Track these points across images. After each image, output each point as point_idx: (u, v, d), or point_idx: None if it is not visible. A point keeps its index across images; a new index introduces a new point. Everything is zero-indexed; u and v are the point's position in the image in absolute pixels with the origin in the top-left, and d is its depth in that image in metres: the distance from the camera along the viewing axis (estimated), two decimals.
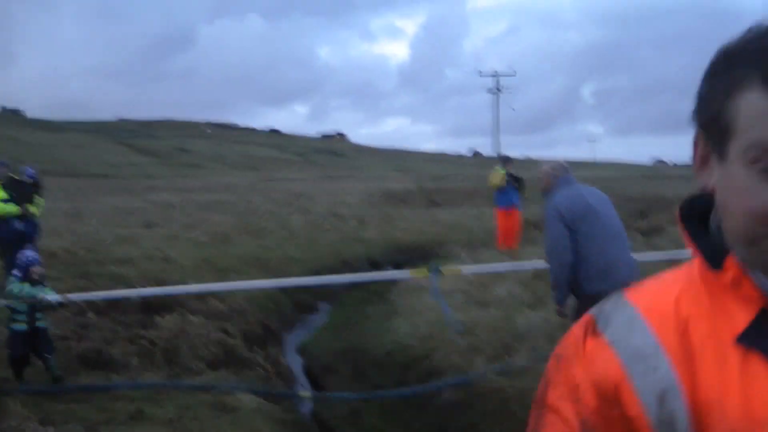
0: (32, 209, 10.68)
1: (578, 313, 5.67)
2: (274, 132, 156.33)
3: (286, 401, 7.24)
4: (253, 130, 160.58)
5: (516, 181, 16.29)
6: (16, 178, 10.96)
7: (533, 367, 7.32)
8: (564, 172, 5.94)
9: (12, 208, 10.41)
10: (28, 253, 7.13)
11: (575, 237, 5.54)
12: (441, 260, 16.20)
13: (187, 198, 36.27)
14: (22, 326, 6.70)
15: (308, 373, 9.01)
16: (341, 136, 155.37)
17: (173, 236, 18.90)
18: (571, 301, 5.79)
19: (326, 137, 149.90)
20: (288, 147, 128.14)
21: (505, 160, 16.52)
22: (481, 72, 66.68)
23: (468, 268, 10.62)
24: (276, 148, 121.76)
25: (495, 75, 67.03)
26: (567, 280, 5.56)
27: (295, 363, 9.15)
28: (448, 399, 6.95)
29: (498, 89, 66.80)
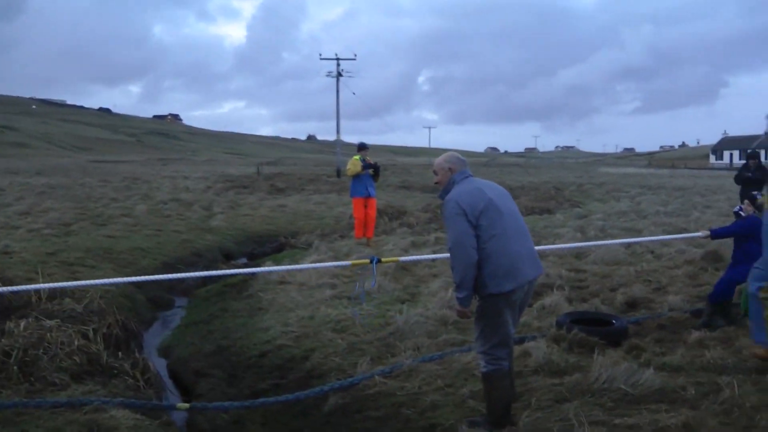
0: None
1: (482, 313, 5.49)
2: (105, 111, 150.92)
3: (163, 414, 6.72)
4: (82, 108, 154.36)
5: (372, 169, 16.09)
6: None
7: (420, 367, 7.15)
8: (460, 165, 5.68)
9: None
10: None
11: (478, 234, 5.30)
12: (298, 251, 15.87)
13: (15, 181, 34.40)
14: None
15: (177, 378, 8.45)
16: (174, 117, 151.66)
17: (9, 226, 17.72)
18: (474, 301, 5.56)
19: (159, 118, 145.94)
20: (119, 127, 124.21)
21: (361, 147, 16.27)
22: (321, 55, 65.96)
23: (404, 258, 10.33)
24: (107, 129, 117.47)
25: (336, 59, 66.71)
26: (473, 279, 5.32)
27: (161, 368, 8.55)
28: (336, 404, 6.62)
29: (339, 73, 66.51)
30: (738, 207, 9.23)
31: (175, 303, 12.58)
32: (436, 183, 5.75)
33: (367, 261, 8.56)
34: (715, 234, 8.98)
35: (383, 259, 9.30)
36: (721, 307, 8.50)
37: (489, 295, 5.36)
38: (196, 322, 10.47)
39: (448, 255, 5.49)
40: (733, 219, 9.37)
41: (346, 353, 7.81)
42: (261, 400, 6.80)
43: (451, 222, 5.36)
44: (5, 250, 13.39)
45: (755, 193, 9.36)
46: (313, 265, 11.24)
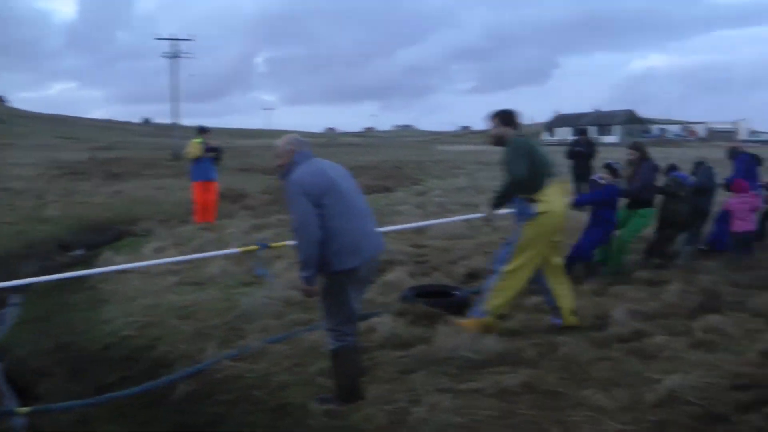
0: None
1: (327, 291, 5.64)
2: None
3: (1, 421, 6.42)
4: None
5: (214, 152, 15.95)
6: None
7: (268, 349, 7.20)
8: (302, 147, 5.79)
9: None
10: None
11: (321, 213, 5.42)
12: (138, 238, 15.50)
13: None
14: None
15: (13, 380, 8.06)
16: None
17: None
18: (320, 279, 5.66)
19: None
20: None
21: (202, 130, 16.09)
22: (157, 35, 64.39)
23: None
24: None
25: (173, 39, 65.19)
26: (317, 258, 5.43)
27: None
28: (185, 391, 6.58)
29: (176, 54, 65.02)
30: (597, 176, 9.89)
31: (8, 300, 11.97)
32: (279, 166, 5.81)
33: (256, 247, 8.65)
34: (579, 202, 9.83)
35: (272, 245, 9.42)
36: (579, 267, 9.50)
37: (334, 272, 5.52)
38: (33, 319, 10.01)
39: None
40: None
41: (192, 339, 7.74)
42: (107, 395, 6.63)
43: (294, 202, 5.45)
44: None
45: (611, 162, 10.06)
46: (193, 256, 11.02)
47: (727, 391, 5.76)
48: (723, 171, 12.53)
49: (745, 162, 12.20)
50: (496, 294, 7.26)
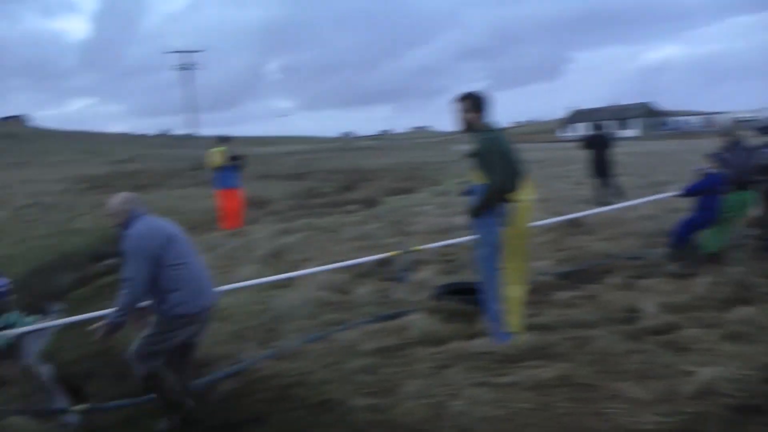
0: None
1: (160, 328, 5.98)
2: None
3: (59, 417, 6.68)
4: None
5: (236, 160, 16.14)
6: None
7: (305, 348, 7.36)
8: (137, 204, 6.12)
9: None
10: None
11: (161, 264, 5.80)
12: None
13: None
14: None
15: (64, 382, 8.31)
16: (18, 118, 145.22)
17: None
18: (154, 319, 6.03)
19: (3, 120, 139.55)
20: None
21: (222, 140, 16.30)
22: (167, 50, 65.07)
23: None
24: None
25: (183, 51, 65.67)
26: (134, 309, 5.88)
27: (47, 373, 8.42)
28: (227, 390, 6.77)
29: (187, 67, 65.45)
30: (701, 167, 10.17)
31: (51, 308, 12.23)
32: (115, 225, 6.11)
33: (401, 252, 9.55)
34: (688, 191, 10.19)
35: (413, 248, 10.05)
36: (681, 250, 9.91)
37: (176, 315, 5.90)
38: (76, 325, 10.26)
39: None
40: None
41: (231, 340, 7.95)
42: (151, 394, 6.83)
43: (131, 256, 5.77)
44: None
45: (713, 152, 10.32)
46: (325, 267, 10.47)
47: (763, 383, 5.79)
48: None
49: None
50: (509, 311, 7.00)
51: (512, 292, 6.98)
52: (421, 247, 10.43)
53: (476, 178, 6.89)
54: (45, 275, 13.39)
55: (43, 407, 6.69)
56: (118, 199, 6.05)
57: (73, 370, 8.47)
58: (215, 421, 6.38)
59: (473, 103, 6.89)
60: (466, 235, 12.70)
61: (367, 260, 10.03)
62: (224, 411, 6.52)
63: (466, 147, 7.06)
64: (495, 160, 6.62)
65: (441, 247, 10.69)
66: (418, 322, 7.69)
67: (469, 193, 7.20)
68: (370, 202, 21.40)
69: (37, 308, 12.04)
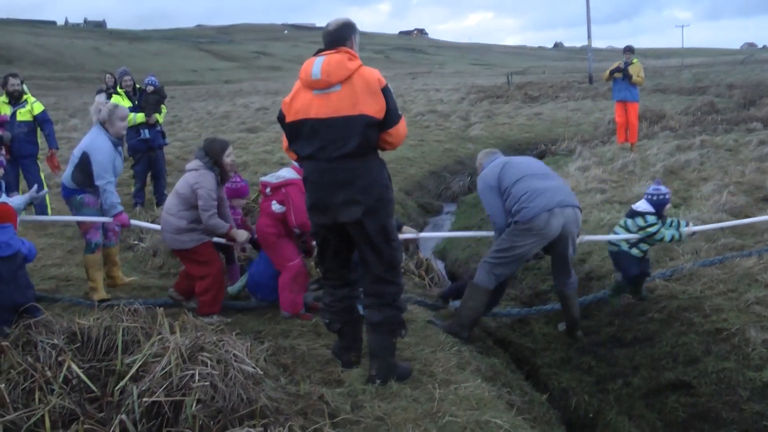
0: (158, 117, 10.52)
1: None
2: None
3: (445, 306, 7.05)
4: None
5: (618, 72, 15.48)
6: (139, 86, 10.82)
7: (700, 272, 6.97)
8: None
9: (139, 117, 10.28)
10: None
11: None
12: (560, 157, 15.78)
13: (277, 101, 36.20)
14: None
15: (454, 279, 8.82)
16: (420, 32, 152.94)
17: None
18: None
19: (405, 34, 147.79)
20: (365, 45, 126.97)
21: (627, 50, 15.76)
22: None
23: None
24: None
25: None
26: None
27: (440, 269, 8.97)
28: (621, 306, 6.68)
29: None
30: None
31: (443, 209, 12.96)
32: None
33: None
34: None
35: None
36: None
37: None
38: (466, 227, 10.71)
39: None
40: None
41: None
42: (538, 307, 7.02)
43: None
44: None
45: None
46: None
47: None
48: None
49: None
50: None
51: None
52: None
53: None
54: (440, 178, 14.08)
55: (433, 302, 7.01)
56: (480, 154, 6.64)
57: (463, 269, 8.85)
58: (603, 336, 6.33)
59: None
60: None
61: None
62: (613, 326, 6.43)
63: None
64: None
65: None
66: None
67: None
68: None
69: (432, 207, 12.86)
